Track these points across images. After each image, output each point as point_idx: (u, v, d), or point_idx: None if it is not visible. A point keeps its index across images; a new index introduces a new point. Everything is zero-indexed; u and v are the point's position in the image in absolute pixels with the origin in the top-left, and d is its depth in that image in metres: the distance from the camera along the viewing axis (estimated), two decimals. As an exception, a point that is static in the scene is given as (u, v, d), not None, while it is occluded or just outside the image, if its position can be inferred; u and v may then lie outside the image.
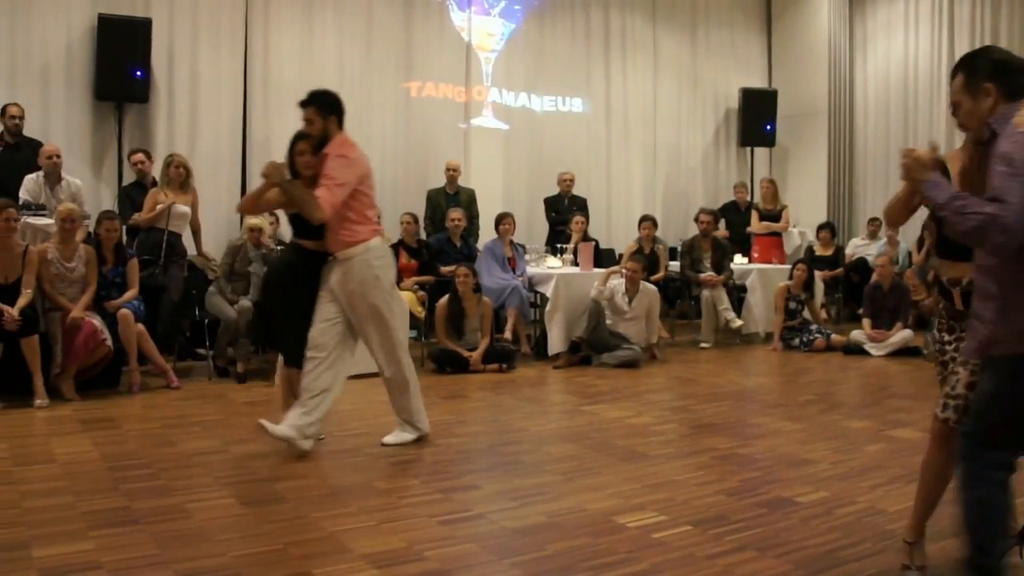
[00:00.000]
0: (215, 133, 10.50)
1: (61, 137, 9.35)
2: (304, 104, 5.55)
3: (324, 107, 5.53)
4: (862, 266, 11.93)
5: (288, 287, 5.64)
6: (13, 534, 4.04)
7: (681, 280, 10.82)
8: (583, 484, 4.91)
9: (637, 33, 13.65)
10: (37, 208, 7.87)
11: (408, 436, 5.79)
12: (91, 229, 8.10)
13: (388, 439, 5.74)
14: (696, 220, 11.01)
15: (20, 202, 7.78)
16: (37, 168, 8.37)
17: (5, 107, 8.89)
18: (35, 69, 9.59)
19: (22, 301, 6.97)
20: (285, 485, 4.95)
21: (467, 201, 10.86)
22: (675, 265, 10.97)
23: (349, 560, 3.75)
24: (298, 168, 5.53)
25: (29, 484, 4.87)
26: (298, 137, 5.59)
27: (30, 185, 8.26)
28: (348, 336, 5.65)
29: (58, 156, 8.40)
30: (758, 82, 14.63)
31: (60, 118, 9.67)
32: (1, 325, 6.79)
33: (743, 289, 10.85)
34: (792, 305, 10.27)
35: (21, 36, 9.52)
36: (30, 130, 9.01)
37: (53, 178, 8.35)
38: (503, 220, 9.98)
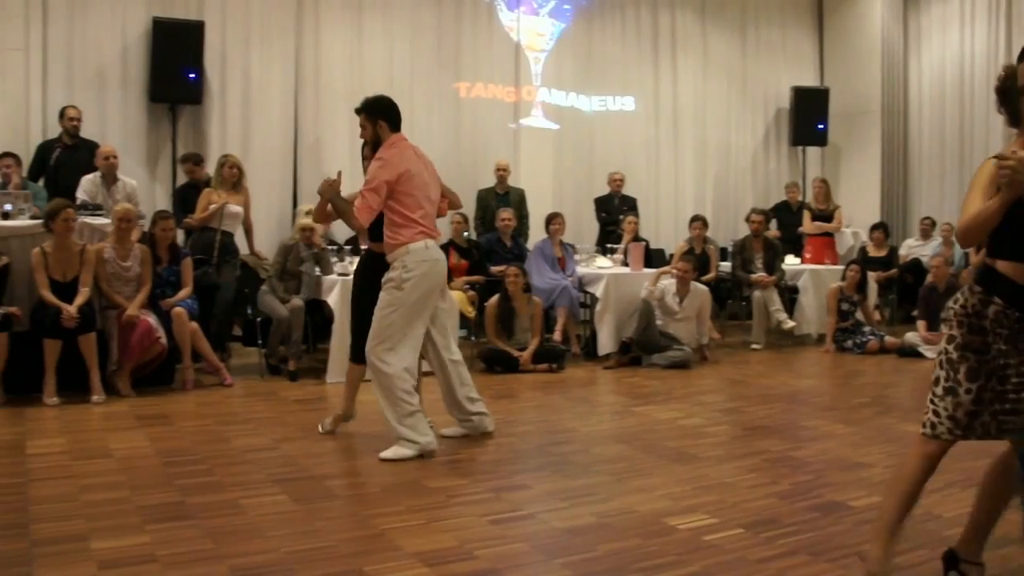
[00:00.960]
0: (267, 134, 10.60)
1: (117, 138, 9.51)
2: (357, 112, 5.72)
3: (371, 112, 5.65)
4: (916, 267, 11.77)
5: (355, 288, 5.90)
6: (73, 526, 4.12)
7: (732, 281, 10.75)
8: (633, 485, 4.89)
9: (686, 32, 13.56)
10: (94, 208, 8.00)
11: (406, 451, 5.49)
12: (146, 229, 8.22)
13: (385, 454, 5.48)
14: (747, 220, 10.94)
15: (78, 202, 7.91)
16: (94, 169, 8.52)
17: (63, 109, 9.06)
18: (92, 72, 9.76)
19: (79, 299, 7.09)
20: (337, 482, 4.99)
21: (517, 201, 10.86)
22: (726, 266, 10.90)
23: (400, 558, 3.77)
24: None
25: (87, 478, 4.95)
26: (367, 143, 5.79)
27: (87, 185, 8.41)
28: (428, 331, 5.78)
29: (114, 157, 8.54)
30: (809, 80, 14.48)
31: (116, 120, 9.84)
32: (60, 323, 6.92)
33: (795, 290, 10.76)
34: (845, 306, 10.15)
35: (78, 40, 9.70)
36: (87, 131, 9.18)
37: (109, 179, 8.48)
38: (553, 220, 9.98)
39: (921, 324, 9.85)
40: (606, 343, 9.20)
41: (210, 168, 9.14)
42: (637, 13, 13.19)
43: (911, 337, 9.78)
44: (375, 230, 5.65)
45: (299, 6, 10.89)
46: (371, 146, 5.67)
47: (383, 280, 5.55)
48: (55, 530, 4.08)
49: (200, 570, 3.64)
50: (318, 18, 10.99)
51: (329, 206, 5.67)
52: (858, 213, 13.36)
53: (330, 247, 8.76)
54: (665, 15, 13.39)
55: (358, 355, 5.77)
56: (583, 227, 11.95)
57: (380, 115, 5.62)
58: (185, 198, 9.00)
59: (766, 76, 14.25)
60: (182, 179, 9.56)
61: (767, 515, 4.36)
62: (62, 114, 9.05)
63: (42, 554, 3.78)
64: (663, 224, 13.18)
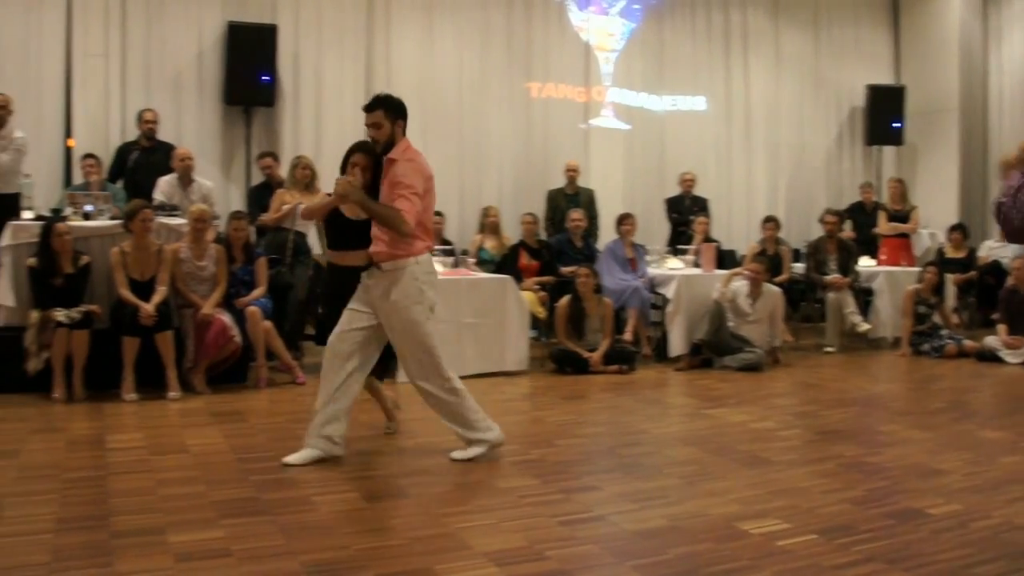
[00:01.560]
0: (339, 135, 10.65)
1: (193, 140, 9.71)
2: (370, 108, 5.29)
3: (392, 110, 5.25)
4: (996, 269, 11.48)
5: (324, 306, 5.82)
6: (150, 520, 4.20)
7: (805, 282, 10.60)
8: (705, 488, 4.84)
9: (758, 30, 13.40)
10: (171, 209, 8.15)
11: (478, 450, 5.40)
12: (221, 229, 8.34)
13: (456, 455, 5.42)
14: (821, 221, 10.78)
15: (155, 203, 8.06)
16: (171, 170, 8.70)
17: (141, 112, 9.27)
18: (168, 76, 9.98)
19: (157, 298, 7.22)
20: (408, 481, 5.02)
21: (587, 201, 10.84)
22: (799, 267, 10.75)
23: (470, 557, 3.78)
24: None
25: (164, 472, 5.05)
26: (356, 149, 5.42)
27: (164, 187, 8.58)
28: (367, 346, 5.40)
29: (190, 159, 8.71)
30: (885, 78, 14.20)
31: (192, 122, 10.05)
32: (138, 321, 7.06)
33: (870, 292, 10.57)
34: (922, 309, 9.95)
35: (156, 45, 9.95)
36: (164, 134, 9.38)
37: (185, 180, 8.64)
38: (624, 220, 9.93)
39: (1002, 328, 9.60)
40: (677, 345, 9.14)
41: (283, 170, 9.26)
42: (708, 12, 13.07)
43: (991, 341, 9.55)
44: (348, 239, 5.47)
45: (370, 8, 11.01)
46: (381, 146, 5.27)
47: (394, 300, 5.20)
48: (133, 522, 4.16)
49: (273, 565, 3.68)
50: (389, 20, 11.10)
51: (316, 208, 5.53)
52: (935, 214, 13.09)
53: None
54: (736, 14, 13.25)
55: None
56: (654, 228, 11.87)
57: (401, 116, 5.28)
58: (259, 197, 9.13)
59: (840, 74, 14.01)
60: (256, 180, 9.71)
61: (841, 521, 4.29)
62: (140, 117, 9.26)
63: (121, 545, 3.86)
64: (735, 225, 13.03)
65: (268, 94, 10.13)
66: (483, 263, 9.60)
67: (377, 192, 5.27)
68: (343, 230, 5.58)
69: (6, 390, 7.04)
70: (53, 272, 7.11)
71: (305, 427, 5.39)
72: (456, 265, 8.78)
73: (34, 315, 7.00)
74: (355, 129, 10.71)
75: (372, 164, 5.34)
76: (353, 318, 5.32)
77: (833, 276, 10.19)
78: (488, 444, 5.42)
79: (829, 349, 10.09)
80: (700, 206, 11.42)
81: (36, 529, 4.06)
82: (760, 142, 13.42)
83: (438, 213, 10.23)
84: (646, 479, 5.03)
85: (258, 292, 7.85)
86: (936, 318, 9.98)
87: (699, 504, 4.55)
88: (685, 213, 11.32)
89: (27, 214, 7.64)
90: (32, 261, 7.12)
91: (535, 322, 9.04)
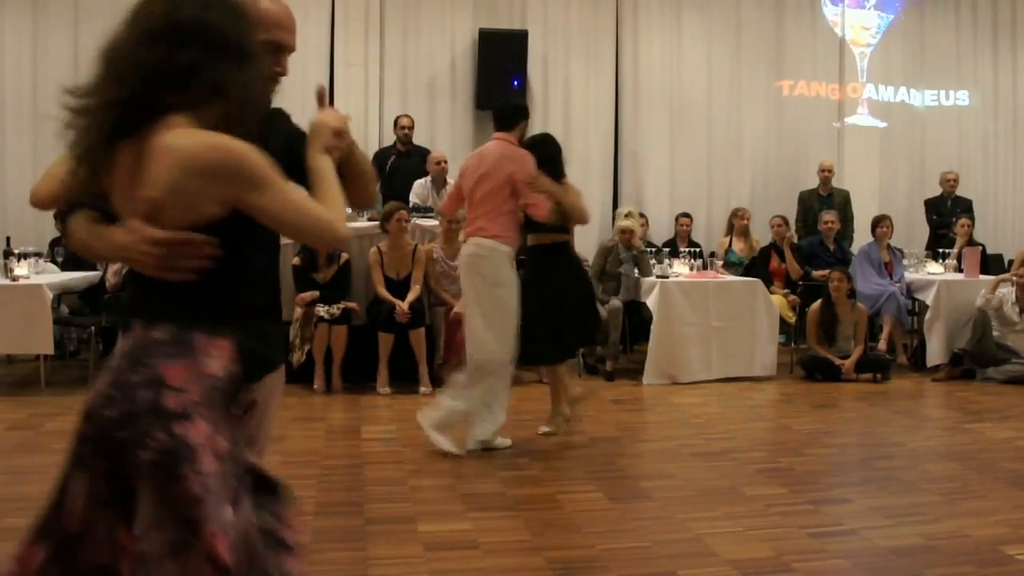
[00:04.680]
0: (587, 138, 10.86)
1: (446, 145, 10.09)
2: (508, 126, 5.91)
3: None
4: None
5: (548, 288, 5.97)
6: (402, 509, 4.40)
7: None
8: (965, 508, 4.57)
9: (1030, 20, 12.53)
10: (425, 210, 8.47)
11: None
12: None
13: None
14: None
15: (410, 205, 8.40)
16: (425, 174, 9.06)
17: (397, 118, 9.71)
18: (423, 83, 10.43)
19: (411, 296, 7.53)
20: (651, 484, 5.01)
21: (841, 203, 10.47)
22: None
23: (715, 564, 3.73)
24: None
25: (415, 464, 5.27)
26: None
27: (419, 189, 8.94)
28: None
29: (444, 162, 9.04)
30: None
31: (445, 127, 10.46)
32: (393, 318, 7.38)
33: None
34: None
35: (412, 54, 10.44)
36: (418, 139, 9.80)
37: (439, 182, 8.96)
38: (880, 223, 9.52)
39: None
40: (936, 354, 8.67)
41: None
42: (973, 2, 12.31)
43: None
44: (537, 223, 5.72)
45: (618, 11, 11.06)
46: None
47: (487, 278, 5.51)
48: (386, 511, 4.37)
49: (518, 560, 3.77)
50: (636, 20, 11.12)
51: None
52: None
53: (648, 249, 8.80)
54: (1005, 3, 12.41)
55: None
56: (912, 230, 11.33)
57: None
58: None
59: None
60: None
61: (1124, 551, 3.95)
62: (396, 123, 9.70)
63: (375, 531, 4.05)
64: (1001, 227, 12.22)
65: (519, 98, 10.36)
66: (730, 265, 9.46)
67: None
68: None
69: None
70: (315, 270, 7.55)
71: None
72: (704, 267, 8.68)
73: (298, 311, 7.45)
74: (603, 131, 10.97)
75: None
76: None
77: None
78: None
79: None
80: (963, 207, 10.78)
81: (298, 512, 4.31)
82: (1030, 138, 12.52)
83: (685, 215, 10.24)
84: (901, 494, 4.80)
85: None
86: None
87: (959, 524, 4.30)
88: (946, 215, 10.72)
89: None
90: (296, 260, 7.58)
91: (784, 326, 8.81)
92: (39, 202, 2.26)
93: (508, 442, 5.66)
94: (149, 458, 1.84)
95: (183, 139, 1.89)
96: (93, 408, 1.94)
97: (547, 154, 5.85)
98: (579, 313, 5.96)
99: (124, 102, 1.91)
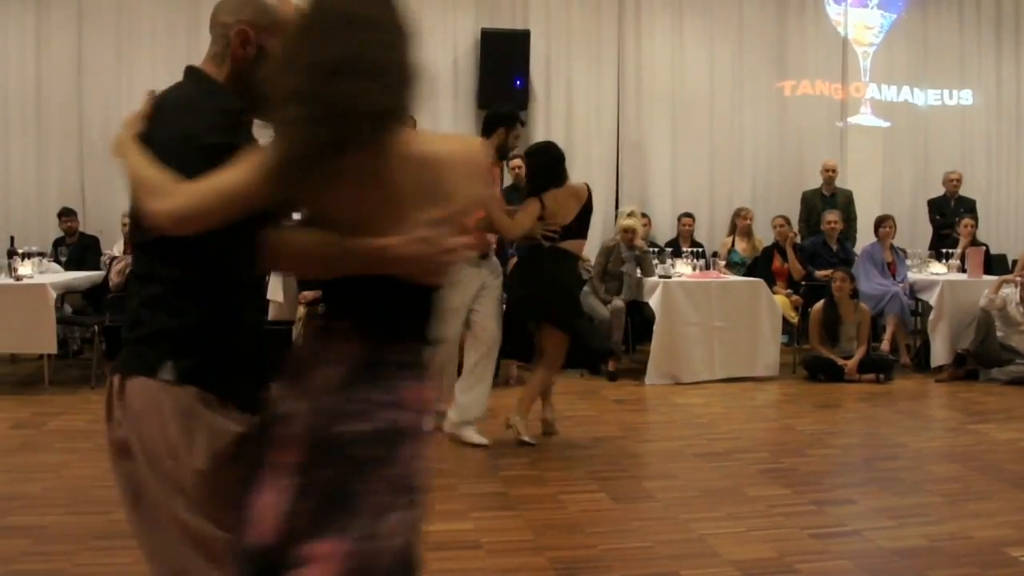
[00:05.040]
0: (589, 138, 10.86)
1: (448, 144, 10.04)
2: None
3: None
4: None
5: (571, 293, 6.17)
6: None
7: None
8: (968, 509, 4.57)
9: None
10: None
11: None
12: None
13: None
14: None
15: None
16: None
17: (401, 117, 9.68)
18: (425, 82, 10.36)
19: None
20: (654, 484, 5.02)
21: (844, 203, 10.46)
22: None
23: (717, 565, 3.74)
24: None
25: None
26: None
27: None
28: None
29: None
30: None
31: (447, 127, 10.43)
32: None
33: None
34: None
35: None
36: (421, 138, 9.75)
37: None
38: (883, 223, 9.51)
39: None
40: (939, 354, 8.66)
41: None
42: (977, 1, 12.28)
43: None
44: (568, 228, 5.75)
45: (620, 11, 11.06)
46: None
47: (496, 279, 5.82)
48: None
49: (520, 560, 3.77)
50: (639, 20, 11.11)
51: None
52: None
53: (651, 249, 8.81)
54: (1008, 2, 12.37)
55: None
56: (916, 230, 11.34)
57: None
58: (510, 201, 9.33)
59: None
60: (505, 181, 9.94)
61: None
62: (399, 122, 9.68)
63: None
64: (1004, 227, 12.21)
65: (521, 98, 10.35)
66: (733, 265, 9.46)
67: None
68: None
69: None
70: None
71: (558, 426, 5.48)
72: (707, 267, 8.68)
73: (301, 310, 7.44)
74: (605, 131, 10.96)
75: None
76: None
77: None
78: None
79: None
80: (966, 207, 10.77)
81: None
82: (1034, 139, 12.51)
83: (688, 214, 10.26)
84: (904, 495, 4.80)
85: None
86: None
87: (962, 525, 4.31)
88: (950, 215, 10.71)
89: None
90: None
91: (786, 327, 8.81)
92: (190, 225, 1.88)
93: (485, 440, 5.67)
94: (391, 473, 1.98)
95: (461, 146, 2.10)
96: (320, 419, 1.95)
97: (543, 163, 5.85)
98: (562, 319, 5.77)
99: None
